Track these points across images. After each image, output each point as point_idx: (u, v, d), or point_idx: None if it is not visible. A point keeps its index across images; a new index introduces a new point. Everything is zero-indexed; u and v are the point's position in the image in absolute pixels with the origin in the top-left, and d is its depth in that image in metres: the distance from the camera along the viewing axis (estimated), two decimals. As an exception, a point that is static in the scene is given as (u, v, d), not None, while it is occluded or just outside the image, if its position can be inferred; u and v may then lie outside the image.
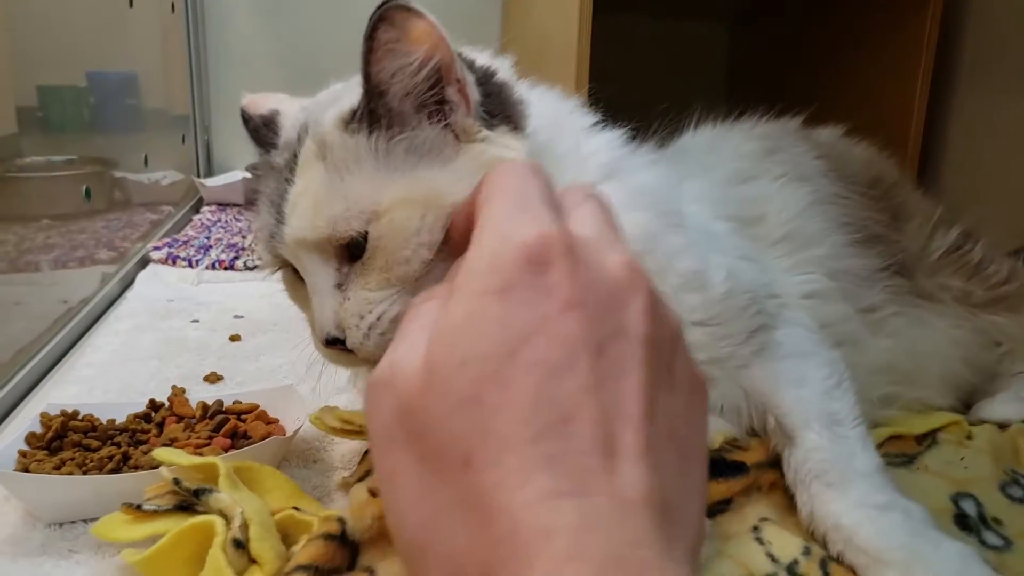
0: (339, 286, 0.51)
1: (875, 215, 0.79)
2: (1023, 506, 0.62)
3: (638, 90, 1.11)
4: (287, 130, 0.58)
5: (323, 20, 1.86)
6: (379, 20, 0.49)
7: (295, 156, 0.54)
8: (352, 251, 0.51)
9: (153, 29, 1.71)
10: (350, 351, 0.51)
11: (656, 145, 0.75)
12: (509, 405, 0.32)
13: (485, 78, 0.56)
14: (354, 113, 0.52)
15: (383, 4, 0.48)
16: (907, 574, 0.50)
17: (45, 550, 0.56)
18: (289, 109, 0.61)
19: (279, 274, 0.60)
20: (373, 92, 0.51)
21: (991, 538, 0.59)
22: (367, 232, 0.50)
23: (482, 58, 0.59)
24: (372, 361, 0.51)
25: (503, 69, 0.59)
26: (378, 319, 0.50)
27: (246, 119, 0.63)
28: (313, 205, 0.51)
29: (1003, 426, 0.74)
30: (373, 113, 0.51)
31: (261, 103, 0.63)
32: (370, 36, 0.50)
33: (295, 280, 0.57)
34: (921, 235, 0.82)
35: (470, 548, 0.31)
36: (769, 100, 0.86)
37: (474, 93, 0.53)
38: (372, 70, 0.51)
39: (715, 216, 0.68)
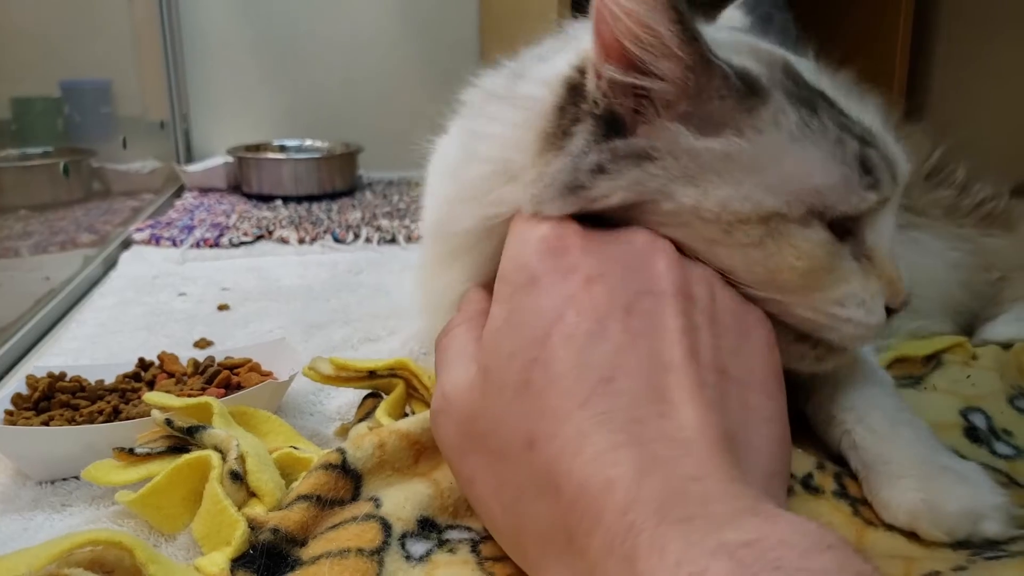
0: None
1: None
2: (1032, 417, 0.62)
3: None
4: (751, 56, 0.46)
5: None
6: None
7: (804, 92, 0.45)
8: None
9: (126, 32, 1.69)
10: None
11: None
12: (554, 380, 0.35)
13: None
14: None
15: None
16: (913, 460, 0.49)
17: (37, 505, 0.54)
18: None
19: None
20: None
21: (1002, 448, 0.58)
22: None
23: None
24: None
25: None
26: None
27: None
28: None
29: (1006, 346, 0.73)
30: None
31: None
32: None
33: (831, 240, 0.44)
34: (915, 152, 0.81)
35: (551, 518, 0.34)
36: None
37: None
38: None
39: None
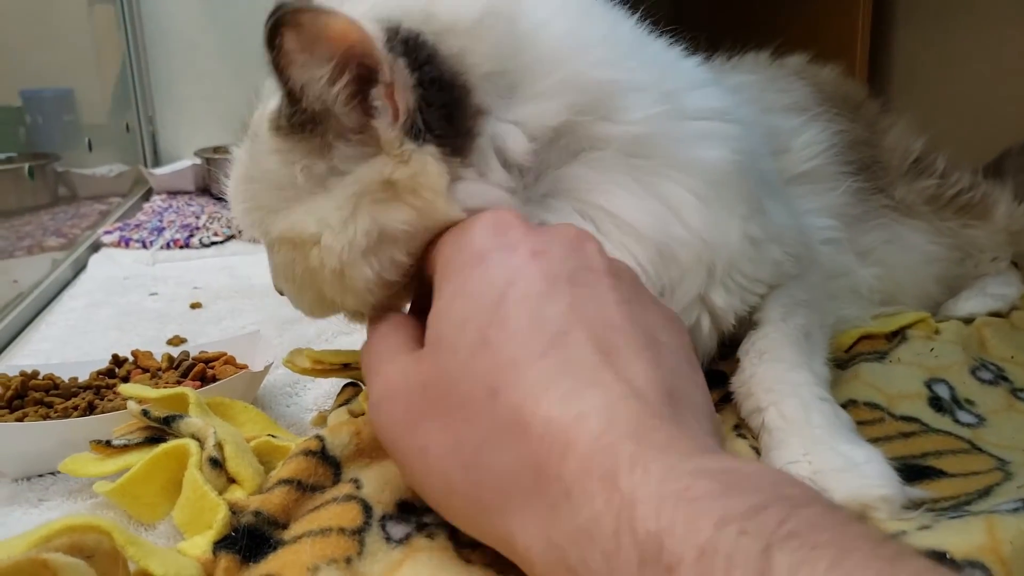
0: None
1: (862, 133, 0.78)
2: (993, 387, 0.63)
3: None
4: None
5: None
6: (280, 24, 0.40)
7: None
8: None
9: (87, 38, 1.67)
10: None
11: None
12: (513, 335, 0.37)
13: (439, 80, 0.44)
14: (279, 115, 0.46)
15: (282, 5, 0.40)
16: (812, 446, 0.48)
17: (13, 500, 0.54)
18: None
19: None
20: (291, 98, 0.44)
21: (965, 417, 0.60)
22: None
23: (453, 42, 0.45)
24: None
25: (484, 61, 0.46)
26: None
27: None
28: (233, 190, 0.51)
29: (968, 321, 0.75)
30: (294, 118, 0.45)
31: None
32: (271, 43, 0.41)
33: None
34: (899, 146, 0.82)
35: (516, 460, 0.34)
36: (714, 46, 0.84)
37: (408, 99, 0.43)
38: (282, 79, 0.43)
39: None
